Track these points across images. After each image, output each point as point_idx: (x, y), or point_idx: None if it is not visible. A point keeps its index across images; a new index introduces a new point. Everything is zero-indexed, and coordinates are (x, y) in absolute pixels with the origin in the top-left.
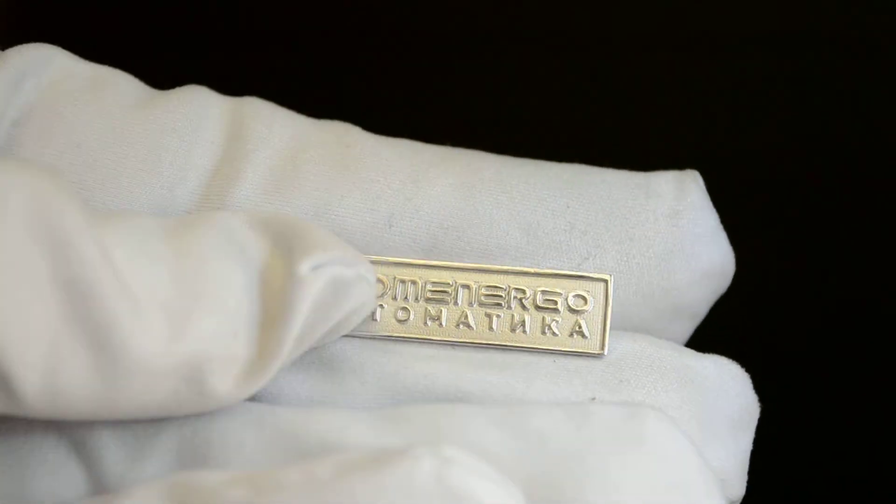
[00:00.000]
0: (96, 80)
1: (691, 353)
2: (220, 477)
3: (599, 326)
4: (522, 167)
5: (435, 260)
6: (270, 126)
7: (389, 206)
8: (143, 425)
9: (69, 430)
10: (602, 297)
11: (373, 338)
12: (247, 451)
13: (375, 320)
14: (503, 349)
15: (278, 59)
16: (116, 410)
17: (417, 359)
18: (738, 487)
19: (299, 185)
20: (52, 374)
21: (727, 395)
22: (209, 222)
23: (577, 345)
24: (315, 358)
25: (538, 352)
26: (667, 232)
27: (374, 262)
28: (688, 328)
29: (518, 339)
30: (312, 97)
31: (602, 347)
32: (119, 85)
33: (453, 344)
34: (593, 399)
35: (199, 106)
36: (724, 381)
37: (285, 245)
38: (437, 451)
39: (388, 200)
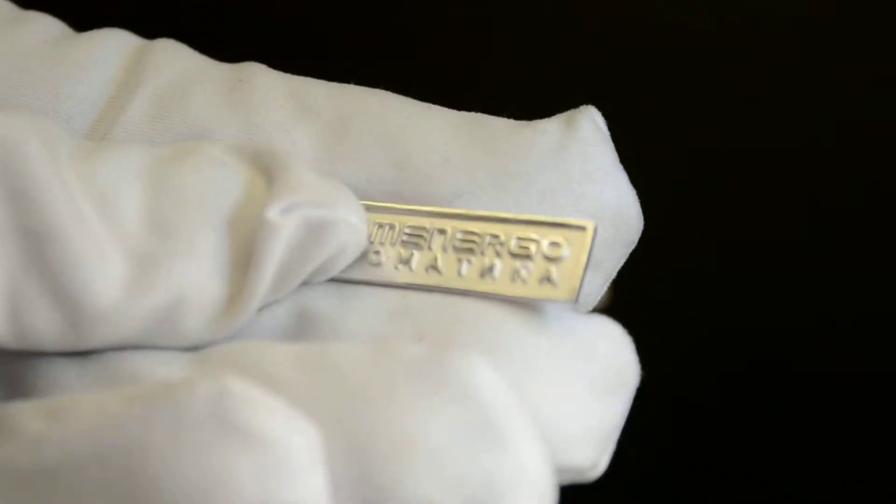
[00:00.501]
0: (16, 19)
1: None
2: (23, 407)
3: (573, 274)
4: (412, 107)
5: (415, 205)
6: (169, 61)
7: (266, 136)
8: None
9: None
10: (580, 244)
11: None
12: (70, 385)
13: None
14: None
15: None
16: (89, 346)
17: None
18: (588, 454)
19: (183, 112)
20: (16, 319)
21: (590, 351)
22: (197, 156)
23: (544, 292)
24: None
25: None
26: (550, 168)
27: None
28: (595, 282)
29: (486, 286)
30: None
31: (571, 295)
32: (38, 23)
33: (419, 287)
34: (418, 341)
35: (106, 44)
36: (589, 336)
37: (265, 183)
38: (216, 382)
39: (266, 131)
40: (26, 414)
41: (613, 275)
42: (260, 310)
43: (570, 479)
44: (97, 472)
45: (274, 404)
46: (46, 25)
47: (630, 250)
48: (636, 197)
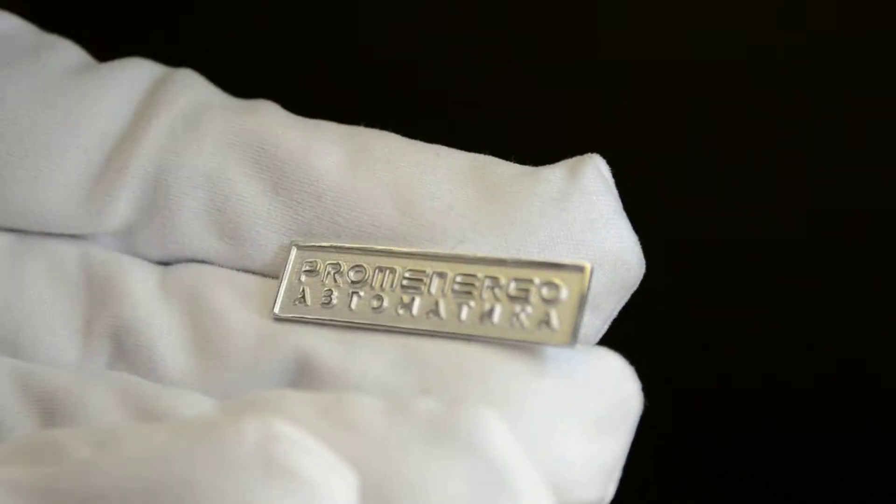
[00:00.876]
0: (40, 45)
1: None
2: (70, 434)
3: (570, 316)
4: (419, 152)
5: (405, 246)
6: (183, 91)
7: (276, 174)
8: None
9: None
10: (577, 286)
11: (347, 326)
12: (108, 419)
13: (351, 309)
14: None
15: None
16: None
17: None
18: (595, 491)
19: (198, 148)
20: None
21: (594, 388)
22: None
23: (543, 336)
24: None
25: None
26: (552, 217)
27: (356, 252)
28: (594, 323)
29: (485, 330)
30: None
31: (569, 338)
32: (60, 51)
33: (420, 333)
34: (426, 394)
35: (127, 75)
36: (591, 373)
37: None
38: (265, 423)
39: (275, 169)
40: (75, 440)
41: (614, 315)
42: (257, 353)
43: None
44: (143, 500)
45: (318, 448)
46: (68, 53)
47: (630, 293)
48: (637, 243)
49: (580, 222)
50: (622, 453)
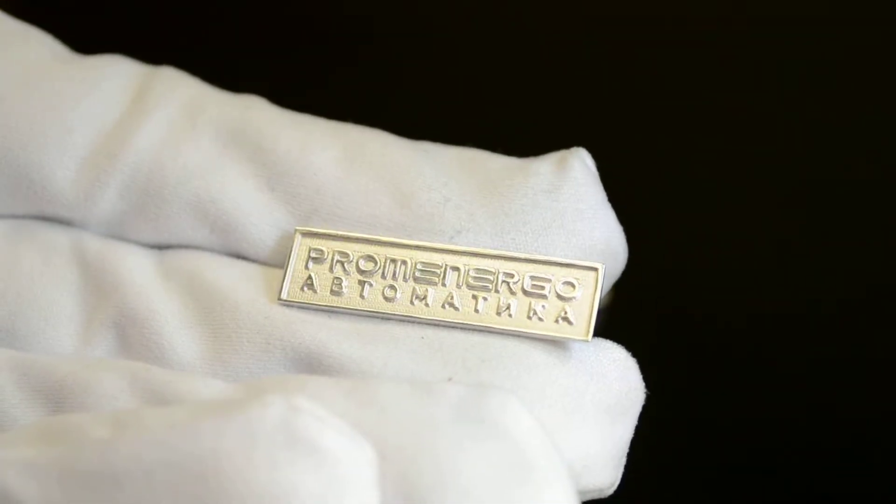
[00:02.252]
0: (18, 34)
1: None
2: (86, 416)
3: (586, 313)
4: (411, 147)
5: (418, 240)
6: (178, 88)
7: (272, 170)
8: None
9: None
10: (591, 284)
11: (361, 314)
12: (120, 405)
13: (363, 298)
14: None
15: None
16: None
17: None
18: (608, 475)
19: (195, 142)
20: None
21: (603, 378)
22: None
23: (562, 331)
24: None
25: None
26: (545, 207)
27: (365, 242)
28: None
29: (503, 323)
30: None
31: (587, 334)
32: (42, 40)
33: (437, 323)
34: (449, 380)
35: (111, 66)
36: (601, 364)
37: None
38: (287, 399)
39: (272, 165)
40: (92, 422)
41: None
42: (269, 338)
43: (591, 497)
44: (166, 476)
45: (340, 423)
46: (51, 42)
47: (614, 281)
48: (623, 233)
49: (571, 212)
50: (628, 440)
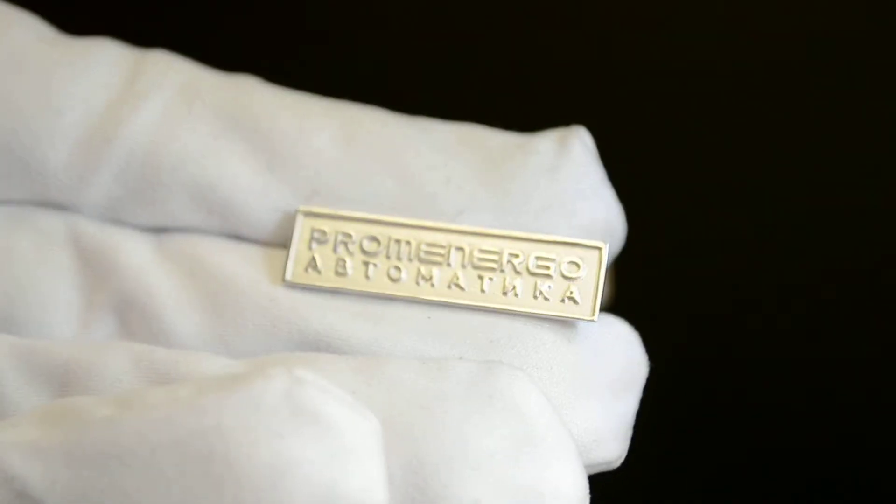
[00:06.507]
0: (7, 13)
1: None
2: (89, 398)
3: (591, 293)
4: (409, 125)
5: (415, 219)
6: (172, 70)
7: (270, 151)
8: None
9: None
10: (595, 264)
11: (366, 295)
12: (125, 386)
13: (368, 279)
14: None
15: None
16: None
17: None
18: (615, 448)
19: (192, 125)
20: None
21: (608, 354)
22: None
23: (568, 310)
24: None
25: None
26: (545, 187)
27: (368, 222)
28: None
29: (509, 303)
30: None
31: (593, 313)
32: (25, 22)
33: (443, 304)
34: (460, 359)
35: (101, 49)
36: (605, 340)
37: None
38: (290, 372)
39: (269, 146)
40: (93, 404)
41: None
42: (275, 319)
43: (599, 470)
44: (172, 453)
45: (343, 394)
46: (36, 24)
47: (613, 260)
48: (622, 212)
49: (571, 192)
50: (634, 413)
